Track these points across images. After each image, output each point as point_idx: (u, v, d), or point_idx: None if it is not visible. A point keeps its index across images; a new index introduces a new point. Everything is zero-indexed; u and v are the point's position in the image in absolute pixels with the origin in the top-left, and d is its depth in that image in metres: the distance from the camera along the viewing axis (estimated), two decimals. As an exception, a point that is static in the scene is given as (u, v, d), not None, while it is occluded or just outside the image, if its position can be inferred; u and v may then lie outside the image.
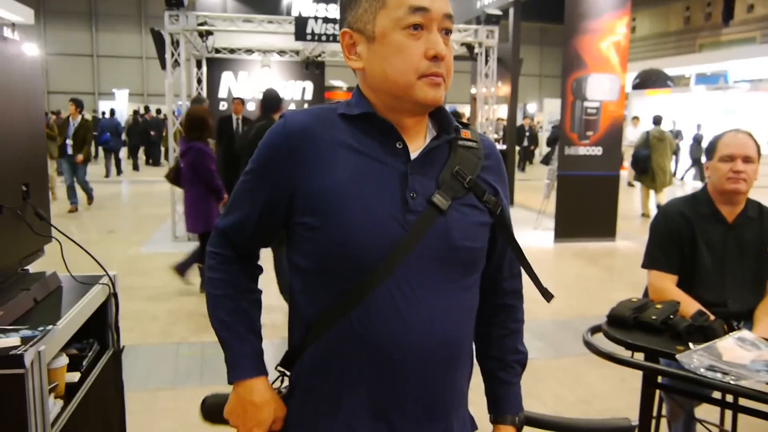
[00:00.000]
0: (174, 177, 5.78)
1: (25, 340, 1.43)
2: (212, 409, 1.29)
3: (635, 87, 20.68)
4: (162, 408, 3.48)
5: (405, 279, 1.09)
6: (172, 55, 8.03)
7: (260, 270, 1.31)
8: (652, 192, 10.27)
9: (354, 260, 1.08)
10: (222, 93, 11.23)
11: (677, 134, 17.10)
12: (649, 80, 20.33)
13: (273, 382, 1.25)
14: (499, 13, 9.20)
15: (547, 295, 1.30)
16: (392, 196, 1.10)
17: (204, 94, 10.88)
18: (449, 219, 1.12)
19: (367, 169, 1.11)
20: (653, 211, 9.74)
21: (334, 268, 1.10)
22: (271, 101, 5.52)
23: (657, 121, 10.57)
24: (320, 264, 1.12)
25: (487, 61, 9.20)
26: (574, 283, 6.34)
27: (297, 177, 1.12)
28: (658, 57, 26.33)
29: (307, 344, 1.17)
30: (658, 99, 19.58)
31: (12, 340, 1.43)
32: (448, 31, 1.10)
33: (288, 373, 1.24)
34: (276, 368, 1.25)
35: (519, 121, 24.99)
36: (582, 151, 8.19)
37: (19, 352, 1.36)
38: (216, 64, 11.24)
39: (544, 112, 23.25)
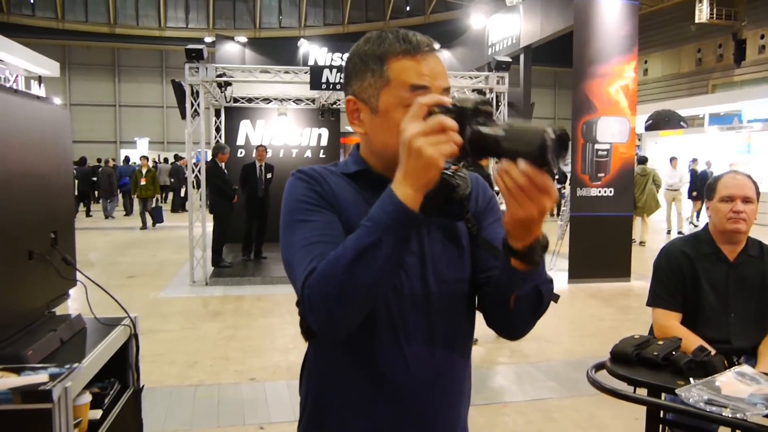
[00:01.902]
0: None
1: (52, 377, 1.53)
2: None
3: (648, 128, 20.78)
4: (179, 450, 3.54)
5: (405, 307, 1.19)
6: (192, 105, 8.29)
7: None
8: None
9: None
10: (240, 141, 11.52)
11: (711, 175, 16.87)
12: (662, 121, 20.44)
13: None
14: (509, 60, 9.40)
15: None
16: None
17: (222, 141, 11.16)
18: (437, 253, 1.22)
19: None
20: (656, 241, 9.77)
21: None
22: None
23: (641, 161, 11.96)
24: None
25: (497, 107, 9.38)
26: (588, 323, 6.33)
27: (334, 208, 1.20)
28: (671, 98, 26.50)
29: (313, 363, 1.27)
30: (671, 140, 19.65)
31: (40, 377, 1.53)
32: None
33: None
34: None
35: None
36: (594, 192, 8.27)
37: (47, 388, 1.46)
38: (234, 113, 11.56)
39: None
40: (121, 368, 2.18)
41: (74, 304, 2.47)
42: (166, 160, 24.17)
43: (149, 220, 15.17)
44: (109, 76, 34.85)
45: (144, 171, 15.30)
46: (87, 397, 1.82)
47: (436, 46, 1.22)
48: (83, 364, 1.69)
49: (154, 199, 15.57)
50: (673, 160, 13.77)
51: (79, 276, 2.16)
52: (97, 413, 1.91)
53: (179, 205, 19.62)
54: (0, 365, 1.59)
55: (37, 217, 1.92)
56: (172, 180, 20.19)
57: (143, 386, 2.27)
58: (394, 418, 1.20)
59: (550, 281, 1.19)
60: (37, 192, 1.93)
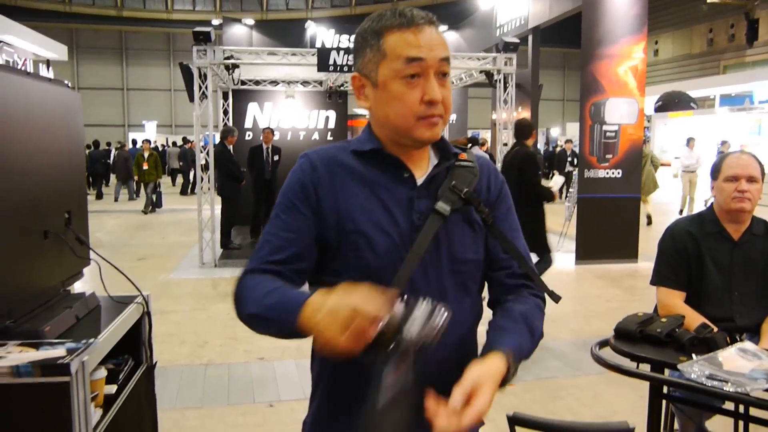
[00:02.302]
0: None
1: (70, 351, 1.58)
2: None
3: (658, 109, 20.63)
4: (191, 426, 3.61)
5: (419, 288, 1.22)
6: (200, 87, 8.31)
7: None
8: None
9: (373, 275, 1.20)
10: (248, 123, 11.55)
11: None
12: (671, 102, 20.29)
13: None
14: (517, 41, 9.35)
15: (555, 297, 1.37)
16: (402, 218, 1.24)
17: (230, 124, 11.19)
18: (451, 235, 1.26)
19: (379, 197, 1.25)
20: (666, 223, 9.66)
21: (354, 281, 1.22)
22: (523, 129, 5.87)
23: None
24: (341, 279, 1.20)
25: (505, 88, 9.35)
26: (595, 303, 6.37)
27: (323, 203, 1.25)
28: (682, 79, 26.25)
29: None
30: (680, 121, 19.50)
31: (58, 351, 1.58)
32: (445, 74, 1.23)
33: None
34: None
35: (540, 145, 24.86)
36: (602, 173, 8.26)
37: (65, 362, 1.51)
38: (242, 96, 11.57)
39: (566, 136, 23.23)
40: (135, 345, 2.23)
41: (84, 285, 2.51)
42: (174, 144, 24.20)
43: (134, 207, 14.81)
44: (117, 60, 34.88)
45: (146, 155, 14.81)
46: (102, 372, 1.88)
47: (435, 19, 1.24)
48: (99, 340, 1.74)
49: (155, 184, 14.99)
50: (690, 140, 13.42)
51: (91, 255, 2.20)
52: (112, 388, 1.97)
53: (188, 188, 19.69)
54: (19, 340, 1.65)
55: (51, 198, 1.96)
56: (181, 163, 20.26)
57: (156, 363, 2.33)
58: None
59: (533, 341, 1.27)
60: (51, 173, 1.97)
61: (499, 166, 6.50)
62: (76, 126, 2.21)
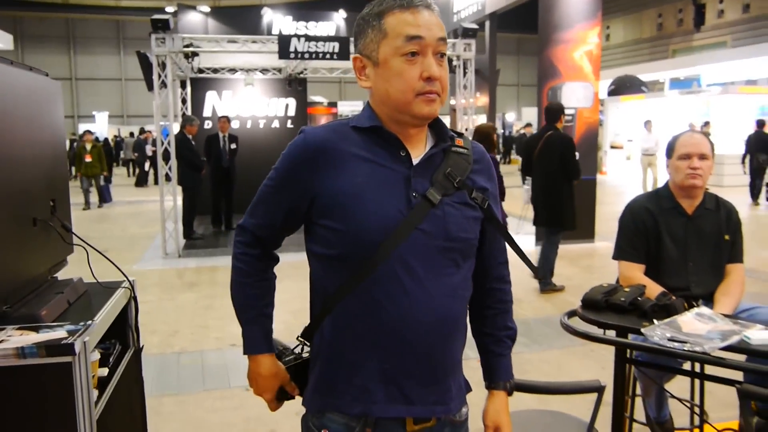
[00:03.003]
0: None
1: (71, 333, 1.63)
2: None
3: (611, 93, 21.14)
4: (169, 412, 3.66)
5: (410, 264, 1.30)
6: (159, 76, 8.21)
7: (277, 259, 1.51)
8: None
9: (368, 249, 1.29)
10: (206, 112, 11.43)
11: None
12: (623, 86, 20.82)
13: (294, 348, 1.50)
14: (476, 27, 9.49)
15: (535, 270, 1.58)
16: (398, 196, 1.31)
17: (189, 113, 11.06)
18: (447, 214, 1.33)
19: (376, 174, 1.32)
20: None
21: (351, 254, 1.31)
22: (555, 112, 5.96)
23: None
24: (339, 251, 1.32)
25: (465, 73, 9.48)
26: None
27: (317, 184, 1.32)
28: (632, 63, 26.90)
29: (325, 316, 1.37)
30: (632, 105, 20.03)
31: (59, 333, 1.63)
32: (442, 54, 1.32)
33: (307, 343, 1.45)
34: (297, 338, 1.48)
35: (500, 129, 25.17)
36: (559, 156, 8.48)
37: (69, 342, 1.56)
38: (200, 84, 11.45)
39: (522, 121, 23.61)
40: (121, 330, 2.29)
41: (63, 273, 2.52)
42: (131, 134, 23.70)
43: (94, 199, 13.97)
44: (64, 49, 33.83)
45: (88, 147, 13.61)
46: (96, 355, 1.93)
47: (431, 3, 1.34)
48: (96, 322, 1.78)
49: (102, 177, 13.95)
50: (647, 123, 13.50)
51: (76, 241, 2.24)
52: (104, 371, 2.02)
53: (143, 180, 19.36)
54: (17, 325, 1.68)
55: (38, 186, 1.99)
56: (136, 154, 19.91)
57: (143, 346, 2.38)
58: (401, 356, 1.32)
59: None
60: (37, 161, 2.00)
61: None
62: (58, 115, 2.23)
